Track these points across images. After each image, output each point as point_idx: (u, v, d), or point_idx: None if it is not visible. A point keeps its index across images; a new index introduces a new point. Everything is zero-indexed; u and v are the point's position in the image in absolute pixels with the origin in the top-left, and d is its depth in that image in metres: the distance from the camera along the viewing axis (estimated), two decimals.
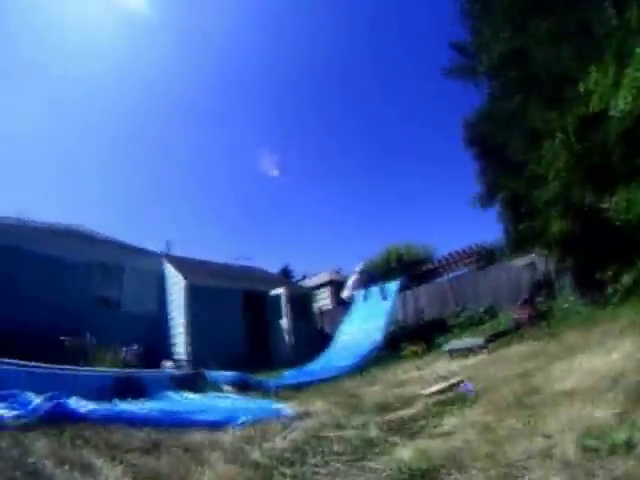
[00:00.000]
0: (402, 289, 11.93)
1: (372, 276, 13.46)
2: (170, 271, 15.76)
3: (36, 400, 4.19)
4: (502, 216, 10.22)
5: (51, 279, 14.54)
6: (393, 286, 11.48)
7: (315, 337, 14.49)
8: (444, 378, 5.12)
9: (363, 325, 10.76)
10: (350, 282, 13.54)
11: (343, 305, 16.47)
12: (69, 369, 6.37)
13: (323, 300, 21.48)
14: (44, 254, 14.48)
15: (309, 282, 24.96)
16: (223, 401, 5.66)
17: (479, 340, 6.79)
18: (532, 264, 9.74)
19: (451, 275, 17.66)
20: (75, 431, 3.59)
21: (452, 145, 33.73)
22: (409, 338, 10.35)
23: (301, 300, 15.68)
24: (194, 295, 13.94)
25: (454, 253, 16.50)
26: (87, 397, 4.92)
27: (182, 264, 15.97)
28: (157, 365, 12.37)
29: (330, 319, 16.45)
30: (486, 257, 13.99)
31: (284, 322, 14.22)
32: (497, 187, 10.41)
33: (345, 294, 13.46)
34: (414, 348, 9.20)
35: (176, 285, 14.99)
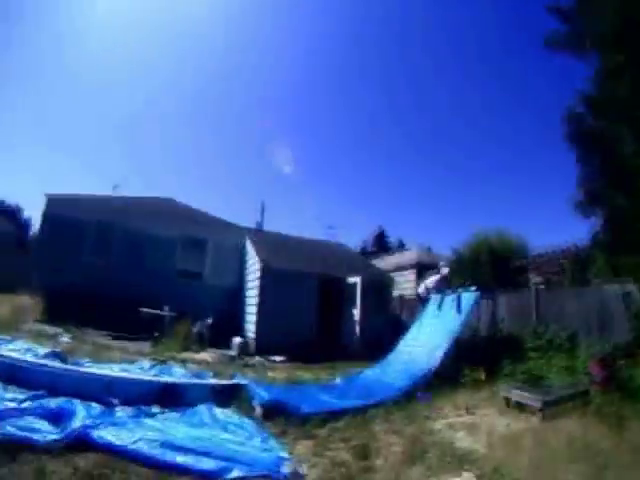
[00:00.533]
0: (480, 300, 10.70)
1: (447, 280, 12.32)
2: (249, 248, 16.10)
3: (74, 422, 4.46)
4: (602, 234, 8.71)
5: (137, 252, 15.99)
6: (470, 298, 10.19)
7: (389, 329, 13.78)
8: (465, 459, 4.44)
9: (429, 338, 9.87)
10: (429, 281, 12.25)
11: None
12: (111, 375, 6.56)
13: (407, 283, 20.52)
14: (134, 228, 15.86)
15: (394, 259, 24.00)
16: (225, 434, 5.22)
17: (538, 399, 5.81)
18: (629, 295, 8.21)
19: (538, 280, 16.19)
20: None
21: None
22: (476, 355, 9.41)
23: (379, 288, 15.27)
24: (268, 276, 14.09)
25: (548, 252, 14.85)
26: (127, 402, 5.67)
27: (260, 241, 16.18)
28: (227, 340, 13.02)
29: (410, 309, 15.53)
30: (582, 262, 12.36)
31: (356, 313, 13.84)
32: (600, 197, 8.84)
33: (420, 290, 12.45)
34: (476, 375, 8.34)
35: (253, 264, 15.25)
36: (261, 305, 13.94)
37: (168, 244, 16.55)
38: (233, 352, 12.34)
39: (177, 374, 7.80)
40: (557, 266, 14.78)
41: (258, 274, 14.26)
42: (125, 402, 5.63)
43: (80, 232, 15.19)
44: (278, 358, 12.11)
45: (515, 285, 16.31)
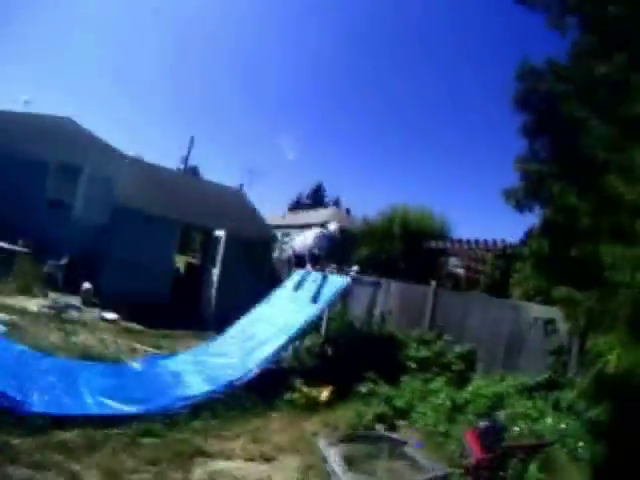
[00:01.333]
0: (351, 288, 8.69)
1: (333, 242, 9.12)
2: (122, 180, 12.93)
3: None
4: (537, 236, 6.41)
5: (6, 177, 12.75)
6: (336, 284, 7.75)
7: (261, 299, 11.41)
8: None
9: (268, 326, 7.40)
10: (306, 236, 9.23)
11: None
12: None
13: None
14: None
15: (307, 217, 21.52)
16: None
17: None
18: (553, 323, 6.06)
19: (455, 270, 14.22)
20: None
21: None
22: (334, 361, 7.52)
23: (253, 246, 12.46)
24: (122, 216, 11.56)
25: (472, 240, 12.77)
26: None
27: (136, 175, 13.05)
28: (77, 286, 10.87)
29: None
30: (508, 262, 10.39)
31: (215, 274, 11.16)
32: (543, 188, 6.41)
33: (296, 248, 9.67)
34: (315, 392, 6.03)
35: None
36: (111, 248, 11.38)
37: (39, 168, 13.36)
38: (75, 301, 10.35)
39: None
40: (477, 259, 12.88)
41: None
42: None
43: None
44: (112, 316, 9.77)
45: (427, 269, 14.39)
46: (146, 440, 4.20)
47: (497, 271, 11.13)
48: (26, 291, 10.13)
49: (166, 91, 57.05)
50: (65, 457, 3.57)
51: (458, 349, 7.46)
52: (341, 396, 6.19)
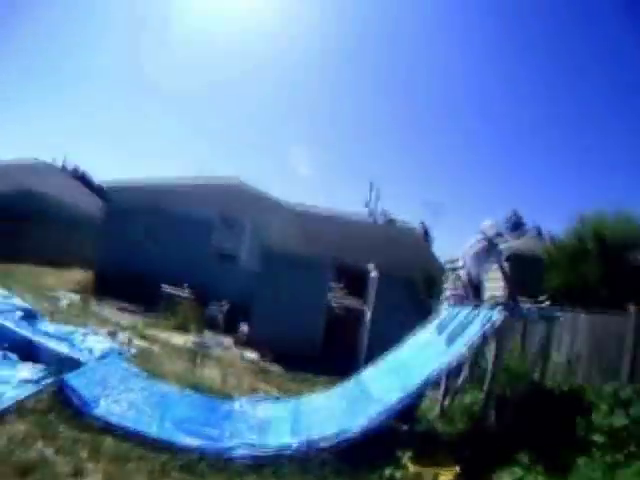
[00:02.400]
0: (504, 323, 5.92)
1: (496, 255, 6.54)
2: None
3: None
4: None
5: (179, 234, 14.95)
6: (481, 320, 5.66)
7: None
8: None
9: (398, 370, 6.03)
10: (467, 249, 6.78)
11: None
12: None
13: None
14: (180, 211, 14.86)
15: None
16: None
17: None
18: None
19: None
20: None
21: None
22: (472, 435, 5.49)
23: (417, 284, 10.86)
24: (267, 260, 11.57)
25: None
26: None
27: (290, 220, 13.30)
28: (236, 328, 11.44)
29: None
30: None
31: (367, 315, 10.01)
32: None
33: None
34: (428, 475, 4.24)
35: None
36: (261, 294, 11.26)
37: (205, 224, 15.23)
38: (228, 341, 10.83)
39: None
40: None
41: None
42: None
43: (132, 216, 14.92)
44: (252, 356, 9.77)
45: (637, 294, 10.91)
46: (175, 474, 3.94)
47: None
48: (182, 329, 10.74)
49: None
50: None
51: None
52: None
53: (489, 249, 6.29)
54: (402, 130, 55.55)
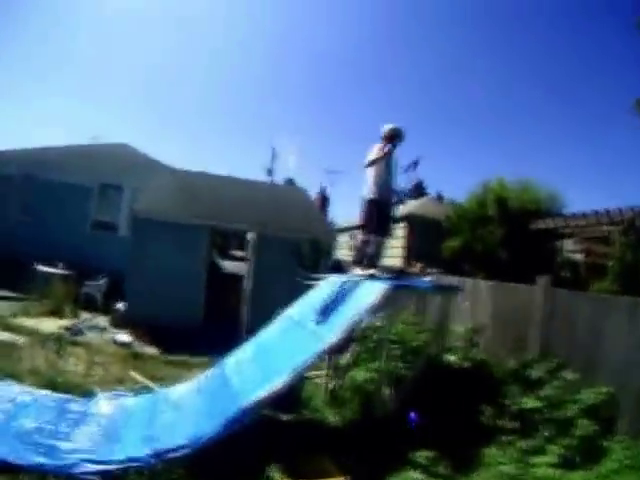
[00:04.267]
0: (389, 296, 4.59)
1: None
2: None
3: None
4: None
5: (47, 203, 12.91)
6: (366, 294, 4.60)
7: None
8: None
9: (265, 359, 4.78)
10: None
11: None
12: None
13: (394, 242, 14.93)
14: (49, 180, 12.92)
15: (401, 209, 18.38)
16: None
17: None
18: None
19: (573, 255, 10.63)
20: None
21: None
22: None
23: (303, 249, 9.88)
24: (141, 226, 9.72)
25: (591, 214, 9.17)
26: None
27: (166, 182, 11.43)
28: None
29: None
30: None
31: (247, 284, 8.77)
32: None
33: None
34: None
35: None
36: (134, 265, 9.59)
37: (82, 193, 13.25)
38: (106, 322, 9.33)
39: None
40: (601, 239, 9.22)
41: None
42: None
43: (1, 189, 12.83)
44: (124, 338, 8.10)
45: (537, 258, 10.76)
46: None
47: (629, 252, 7.44)
48: (57, 313, 9.28)
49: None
50: None
51: (586, 395, 4.20)
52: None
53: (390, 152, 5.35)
54: (306, 97, 52.84)
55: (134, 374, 6.24)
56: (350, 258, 13.61)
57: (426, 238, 13.55)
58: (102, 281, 10.72)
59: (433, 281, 5.87)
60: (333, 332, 4.13)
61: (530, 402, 4.42)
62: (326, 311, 4.55)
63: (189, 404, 4.39)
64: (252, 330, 6.07)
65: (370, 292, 4.41)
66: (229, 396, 4.02)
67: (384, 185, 5.27)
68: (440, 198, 21.03)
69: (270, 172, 18.95)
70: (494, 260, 10.63)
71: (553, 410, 4.23)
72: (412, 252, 13.21)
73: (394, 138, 5.33)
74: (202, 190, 11.18)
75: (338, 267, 12.18)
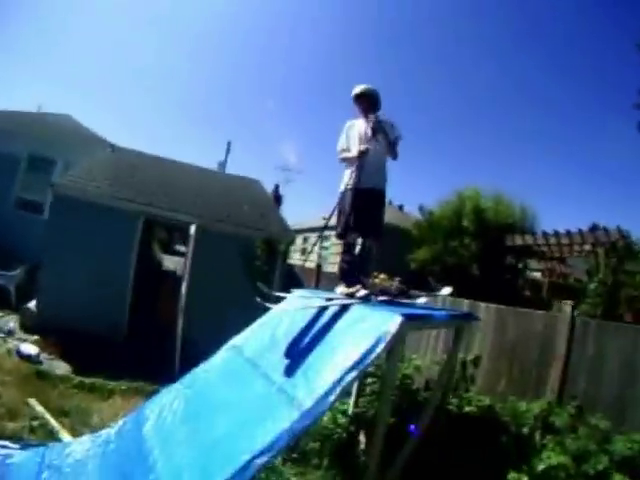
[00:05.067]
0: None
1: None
2: None
3: None
4: None
5: None
6: (368, 321, 2.96)
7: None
8: None
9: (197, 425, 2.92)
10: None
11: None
12: None
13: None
14: None
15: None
16: None
17: None
18: None
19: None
20: None
21: None
22: None
23: (254, 250, 8.31)
24: (61, 209, 7.92)
25: (563, 234, 8.74)
26: None
27: (104, 159, 9.79)
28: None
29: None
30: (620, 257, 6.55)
31: (183, 287, 7.03)
32: None
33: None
34: None
35: None
36: (49, 253, 7.77)
37: (7, 163, 10.97)
38: (14, 323, 7.47)
39: None
40: (561, 259, 9.71)
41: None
42: None
43: None
44: (29, 350, 6.24)
45: (510, 276, 10.02)
46: None
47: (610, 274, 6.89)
48: None
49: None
50: None
51: (619, 445, 3.20)
52: None
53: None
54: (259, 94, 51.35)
55: (34, 403, 4.59)
56: (303, 263, 12.37)
57: (388, 248, 12.55)
58: (17, 271, 8.85)
59: (451, 310, 4.60)
60: (311, 395, 2.50)
61: (554, 457, 3.36)
62: (297, 354, 2.99)
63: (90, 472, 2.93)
64: (188, 347, 4.67)
65: (372, 327, 2.85)
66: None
67: (380, 168, 3.90)
68: (400, 208, 20.32)
69: (223, 166, 17.50)
70: (466, 275, 9.79)
71: (581, 464, 3.20)
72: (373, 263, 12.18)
73: (377, 102, 3.98)
74: (142, 172, 9.51)
75: (292, 275, 10.85)
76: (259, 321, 3.88)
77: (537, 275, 11.40)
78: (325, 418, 4.27)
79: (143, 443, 2.93)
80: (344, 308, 3.25)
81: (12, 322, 7.48)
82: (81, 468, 3.07)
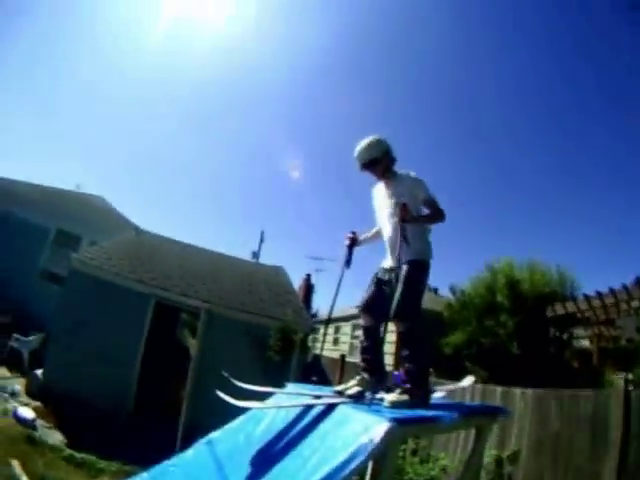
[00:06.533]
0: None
1: None
2: None
3: None
4: None
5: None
6: (350, 427, 2.33)
7: None
8: None
9: None
10: None
11: None
12: None
13: None
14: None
15: None
16: None
17: None
18: None
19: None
20: None
21: None
22: None
23: (269, 340, 7.67)
24: (77, 283, 7.89)
25: (607, 294, 7.71)
26: None
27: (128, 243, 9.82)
28: None
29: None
30: None
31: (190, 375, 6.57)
32: None
33: None
34: None
35: None
36: (56, 326, 7.67)
37: (37, 235, 11.35)
38: (21, 388, 7.21)
39: None
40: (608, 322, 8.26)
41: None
42: None
43: None
44: (27, 416, 5.79)
45: (554, 350, 8.85)
46: None
47: None
48: None
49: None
50: None
51: None
52: None
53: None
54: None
55: (16, 465, 4.24)
56: (334, 354, 11.53)
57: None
58: (33, 337, 8.74)
59: (468, 407, 3.68)
60: None
61: None
62: (264, 462, 2.36)
63: None
64: (193, 432, 4.01)
65: (350, 434, 2.21)
66: None
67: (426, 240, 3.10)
68: (435, 291, 19.27)
69: (256, 255, 17.40)
70: (503, 355, 8.71)
71: None
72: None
73: (388, 158, 3.09)
74: (161, 256, 9.52)
75: (314, 366, 9.97)
76: (244, 416, 3.25)
77: (585, 343, 10.03)
78: None
79: None
80: (330, 409, 2.59)
81: (18, 385, 7.29)
82: None
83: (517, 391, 4.27)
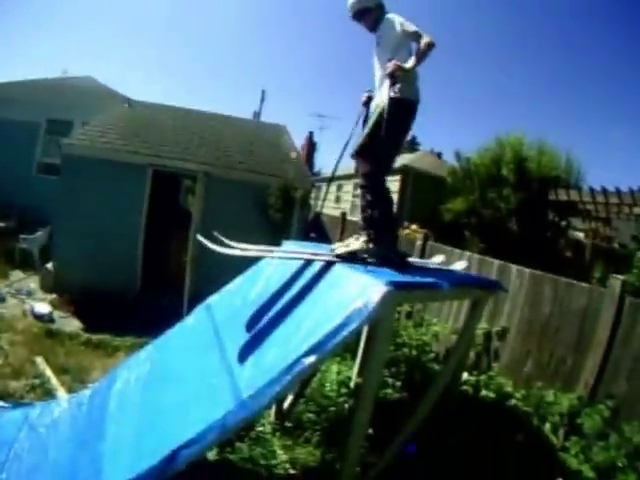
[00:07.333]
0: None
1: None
2: None
3: None
4: None
5: None
6: (345, 288, 2.34)
7: None
8: None
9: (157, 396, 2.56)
10: None
11: None
12: None
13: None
14: None
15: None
16: None
17: None
18: None
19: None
20: None
21: None
22: None
23: (269, 199, 7.58)
24: (71, 165, 7.48)
25: (612, 192, 7.65)
26: None
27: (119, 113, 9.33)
28: None
29: None
30: None
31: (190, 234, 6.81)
32: None
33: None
34: None
35: None
36: (59, 214, 7.51)
37: (28, 131, 11.03)
38: (35, 284, 7.42)
39: None
40: (607, 220, 8.46)
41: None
42: None
43: None
44: (43, 310, 6.14)
45: (550, 234, 9.06)
46: None
47: None
48: None
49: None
50: None
51: None
52: None
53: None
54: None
55: (39, 362, 4.52)
56: (335, 212, 11.64)
57: (423, 197, 11.65)
58: (40, 233, 8.78)
59: (468, 277, 3.74)
60: (254, 381, 2.04)
61: (584, 469, 2.77)
62: (259, 324, 2.45)
63: (54, 443, 2.62)
64: (198, 300, 4.26)
65: (346, 297, 2.21)
66: (94, 456, 2.19)
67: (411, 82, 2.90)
68: (439, 155, 18.88)
69: (257, 115, 16.71)
70: (502, 230, 8.91)
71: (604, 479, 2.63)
72: (406, 212, 11.24)
73: (379, 9, 3.01)
74: (157, 124, 9.00)
75: (316, 224, 10.10)
76: (239, 277, 3.35)
77: (580, 235, 10.27)
78: (327, 386, 3.84)
79: (107, 406, 2.69)
80: (326, 269, 2.62)
81: (32, 283, 7.48)
82: (53, 429, 2.85)
83: (514, 268, 4.29)
